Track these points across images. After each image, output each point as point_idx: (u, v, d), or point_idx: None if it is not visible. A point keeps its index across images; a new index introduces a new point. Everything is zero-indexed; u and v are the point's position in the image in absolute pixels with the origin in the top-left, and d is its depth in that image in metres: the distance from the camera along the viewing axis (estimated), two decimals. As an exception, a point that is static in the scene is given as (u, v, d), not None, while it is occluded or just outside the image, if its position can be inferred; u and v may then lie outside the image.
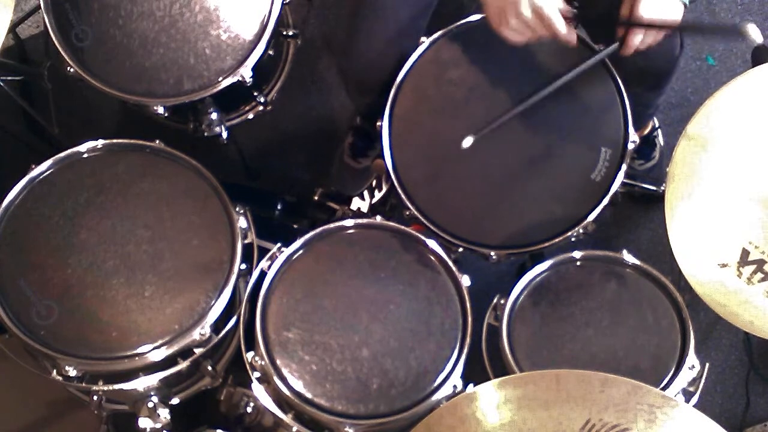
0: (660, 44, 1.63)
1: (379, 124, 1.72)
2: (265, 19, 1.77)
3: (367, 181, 2.12)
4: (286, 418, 1.62)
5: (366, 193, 2.12)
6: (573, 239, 1.66)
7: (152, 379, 1.63)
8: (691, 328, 1.63)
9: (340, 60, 1.97)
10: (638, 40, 1.56)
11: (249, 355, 1.62)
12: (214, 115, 1.87)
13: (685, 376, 1.62)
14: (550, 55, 1.68)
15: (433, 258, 1.67)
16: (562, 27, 1.53)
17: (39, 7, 1.91)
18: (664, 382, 1.60)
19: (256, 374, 1.62)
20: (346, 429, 1.56)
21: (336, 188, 2.12)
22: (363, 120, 2.15)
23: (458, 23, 1.75)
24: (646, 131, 2.17)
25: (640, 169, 2.21)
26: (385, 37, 1.77)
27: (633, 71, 1.71)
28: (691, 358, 1.62)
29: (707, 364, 1.64)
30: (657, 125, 2.22)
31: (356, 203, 2.11)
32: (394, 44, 1.76)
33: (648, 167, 2.22)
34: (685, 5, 1.56)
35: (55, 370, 1.62)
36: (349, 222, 1.71)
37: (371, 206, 2.08)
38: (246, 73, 1.75)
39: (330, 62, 2.42)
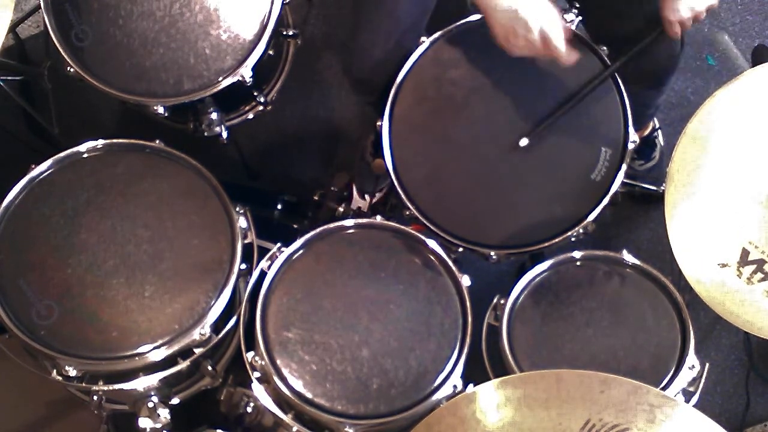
0: (660, 44, 1.63)
1: (379, 124, 1.72)
2: (265, 19, 1.77)
3: (387, 179, 2.10)
4: (286, 418, 1.62)
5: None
6: (573, 239, 1.66)
7: (152, 379, 1.63)
8: (691, 328, 1.63)
9: (344, 60, 1.97)
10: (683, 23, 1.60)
11: (249, 355, 1.62)
12: (214, 115, 1.87)
13: (685, 376, 1.62)
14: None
15: (433, 258, 1.67)
16: (563, 51, 1.57)
17: (39, 7, 1.91)
18: (664, 382, 1.60)
19: (256, 374, 1.62)
20: (346, 429, 1.56)
21: (358, 184, 2.11)
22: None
23: (458, 23, 1.75)
24: (647, 132, 2.17)
25: (640, 169, 2.21)
26: (388, 34, 1.77)
27: (634, 71, 1.71)
28: (691, 358, 1.62)
29: (707, 364, 1.64)
30: (657, 126, 2.22)
31: (356, 203, 2.11)
32: (397, 42, 1.76)
33: (648, 167, 2.22)
34: None
35: (55, 370, 1.62)
36: (349, 222, 1.71)
37: (371, 206, 2.08)
38: (246, 73, 1.75)
39: (330, 62, 2.42)
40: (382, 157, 1.72)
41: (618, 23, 1.73)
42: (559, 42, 1.55)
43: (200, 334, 1.61)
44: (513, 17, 1.53)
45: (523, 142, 1.65)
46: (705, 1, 1.59)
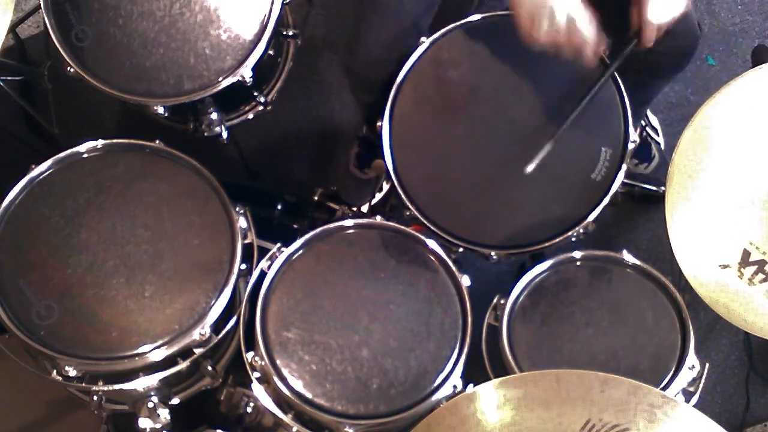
0: (682, 26, 1.63)
1: (379, 124, 1.72)
2: (265, 19, 1.77)
3: (372, 191, 2.11)
4: (286, 418, 1.62)
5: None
6: (573, 239, 1.66)
7: (152, 379, 1.63)
8: (691, 328, 1.63)
9: (345, 59, 1.97)
10: (653, 33, 1.55)
11: (249, 355, 1.62)
12: (214, 115, 1.87)
13: (685, 376, 1.62)
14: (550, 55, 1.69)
15: (433, 258, 1.67)
16: (592, 36, 1.53)
17: (39, 7, 1.91)
18: (664, 382, 1.61)
19: (256, 374, 1.62)
20: (346, 429, 1.56)
21: (344, 197, 2.11)
22: (369, 128, 2.15)
23: (458, 23, 1.75)
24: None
25: (645, 173, 2.21)
26: (390, 36, 1.77)
27: (662, 59, 1.71)
28: (691, 358, 1.62)
29: (707, 364, 1.64)
30: (645, 124, 2.21)
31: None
32: (399, 43, 1.76)
33: (652, 168, 2.22)
34: None
35: (55, 370, 1.62)
36: (349, 222, 1.71)
37: (371, 206, 2.08)
38: (246, 73, 1.75)
39: (330, 62, 2.42)
40: (382, 157, 1.72)
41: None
42: (586, 27, 1.51)
43: (200, 334, 1.61)
44: (539, 2, 1.50)
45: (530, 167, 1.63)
46: (674, 10, 1.54)
